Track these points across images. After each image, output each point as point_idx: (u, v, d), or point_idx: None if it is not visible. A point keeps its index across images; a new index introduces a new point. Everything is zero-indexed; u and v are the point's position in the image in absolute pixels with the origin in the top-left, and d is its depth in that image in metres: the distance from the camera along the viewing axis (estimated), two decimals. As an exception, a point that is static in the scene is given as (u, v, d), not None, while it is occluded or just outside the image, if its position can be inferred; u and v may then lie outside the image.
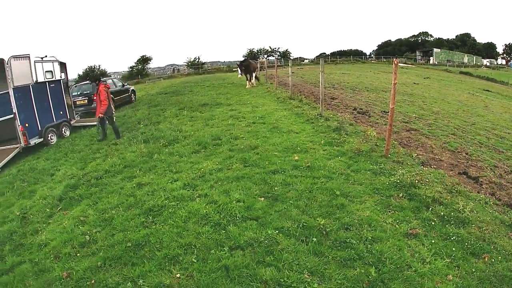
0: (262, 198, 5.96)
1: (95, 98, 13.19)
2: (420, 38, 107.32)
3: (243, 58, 23.92)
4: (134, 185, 7.28)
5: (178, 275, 4.27)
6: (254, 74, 23.85)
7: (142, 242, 5.08)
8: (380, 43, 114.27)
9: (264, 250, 4.57)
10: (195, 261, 4.52)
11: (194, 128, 11.70)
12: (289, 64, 20.90)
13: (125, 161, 8.90)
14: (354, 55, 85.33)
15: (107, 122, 12.21)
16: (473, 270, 4.13)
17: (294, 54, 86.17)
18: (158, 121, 14.05)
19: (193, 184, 6.86)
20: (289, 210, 5.50)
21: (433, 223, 5.05)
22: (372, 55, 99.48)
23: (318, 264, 4.24)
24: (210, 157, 8.42)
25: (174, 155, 8.84)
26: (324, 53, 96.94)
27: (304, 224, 5.06)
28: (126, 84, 24.73)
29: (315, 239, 4.71)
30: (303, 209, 5.50)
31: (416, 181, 6.18)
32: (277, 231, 4.94)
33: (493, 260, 4.30)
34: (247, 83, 22.99)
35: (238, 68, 23.58)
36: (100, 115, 11.74)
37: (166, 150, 9.42)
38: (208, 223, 5.34)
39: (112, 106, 12.39)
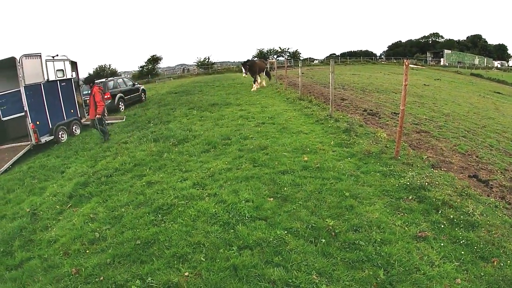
0: (271, 198, 5.96)
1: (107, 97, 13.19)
2: (430, 39, 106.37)
3: (247, 59, 22.72)
4: (144, 183, 7.31)
5: (186, 274, 4.29)
6: (263, 74, 23.41)
7: (151, 240, 5.12)
8: (390, 44, 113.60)
9: (273, 250, 4.57)
10: (204, 260, 4.53)
11: (204, 127, 11.72)
12: (299, 65, 20.75)
13: (135, 159, 8.94)
14: (364, 56, 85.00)
15: (104, 122, 12.30)
16: (482, 274, 4.12)
17: (304, 55, 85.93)
18: (168, 120, 14.12)
19: (203, 184, 6.88)
20: (298, 210, 5.50)
21: (442, 226, 5.03)
22: (382, 56, 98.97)
23: (326, 265, 4.23)
24: (220, 156, 8.44)
25: (184, 154, 8.87)
26: (334, 54, 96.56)
27: (313, 225, 5.05)
28: (136, 83, 24.89)
29: (323, 240, 4.70)
30: (312, 210, 5.49)
31: (426, 183, 6.14)
32: (286, 232, 4.94)
33: (502, 264, 4.28)
34: (253, 85, 22.21)
35: (242, 67, 22.76)
36: (98, 116, 11.79)
37: (176, 149, 9.45)
38: (217, 222, 5.36)
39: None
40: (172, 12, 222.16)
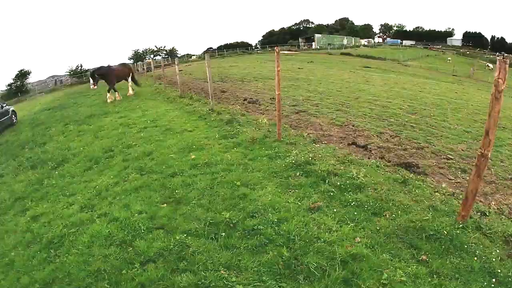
0: (165, 204, 5.80)
1: None
2: (302, 26, 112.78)
3: (100, 66, 19.93)
4: (28, 219, 6.60)
5: (94, 305, 4.01)
6: (129, 80, 21.04)
7: (49, 280, 4.62)
8: (264, 33, 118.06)
9: (176, 257, 4.46)
10: (109, 286, 4.25)
11: (83, 143, 10.98)
12: (176, 62, 20.09)
13: (15, 193, 8.04)
14: (240, 47, 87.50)
15: None
16: (378, 228, 4.51)
17: (181, 51, 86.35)
18: (44, 141, 12.83)
19: (91, 205, 6.43)
20: (194, 210, 5.44)
21: (332, 194, 5.39)
22: (258, 46, 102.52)
23: (231, 258, 4.25)
24: (104, 171, 7.99)
25: (65, 177, 8.22)
26: (211, 48, 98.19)
27: (211, 221, 5.03)
28: (5, 104, 21.36)
29: (223, 233, 4.71)
30: (207, 207, 5.48)
31: (310, 158, 6.54)
32: (185, 235, 4.84)
33: (394, 215, 4.74)
34: (108, 95, 19.44)
35: (91, 78, 19.20)
36: None
37: (56, 172, 8.72)
38: (113, 243, 5.03)
39: None
40: (37, 19, 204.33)
